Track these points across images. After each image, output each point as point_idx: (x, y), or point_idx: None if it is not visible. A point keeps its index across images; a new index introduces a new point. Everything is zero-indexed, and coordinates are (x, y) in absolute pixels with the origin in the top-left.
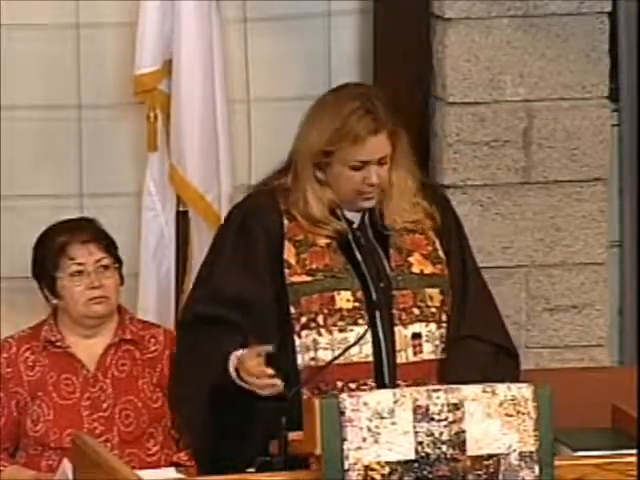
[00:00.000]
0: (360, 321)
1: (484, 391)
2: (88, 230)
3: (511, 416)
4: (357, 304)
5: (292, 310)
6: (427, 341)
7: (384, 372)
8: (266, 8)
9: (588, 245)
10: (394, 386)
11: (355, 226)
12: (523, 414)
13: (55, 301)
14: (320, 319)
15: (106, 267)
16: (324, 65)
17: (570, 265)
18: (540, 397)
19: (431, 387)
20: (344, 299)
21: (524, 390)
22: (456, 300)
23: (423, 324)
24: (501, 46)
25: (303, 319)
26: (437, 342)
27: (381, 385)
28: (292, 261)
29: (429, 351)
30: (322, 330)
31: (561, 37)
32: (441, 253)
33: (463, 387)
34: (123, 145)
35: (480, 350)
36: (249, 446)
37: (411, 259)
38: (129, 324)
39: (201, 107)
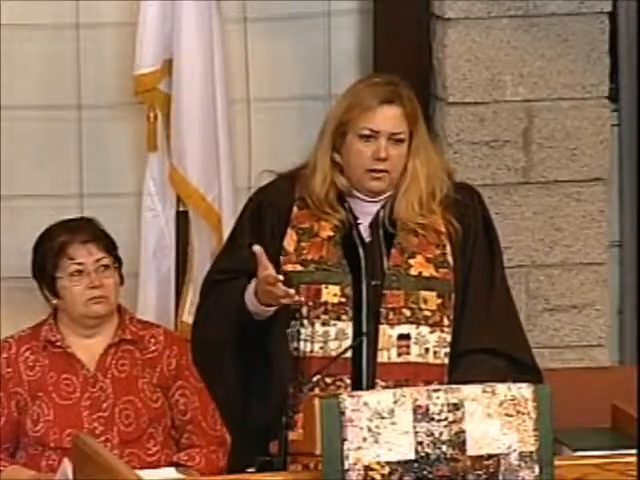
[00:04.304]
0: (344, 317)
1: (484, 391)
2: (88, 230)
3: (511, 416)
4: (343, 299)
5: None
6: (415, 343)
7: (362, 370)
8: (266, 8)
9: (588, 245)
10: (372, 385)
11: (368, 224)
12: (523, 414)
13: (55, 301)
14: (304, 310)
15: (106, 267)
16: (324, 65)
17: (570, 265)
18: (540, 397)
19: (431, 387)
20: (331, 293)
21: (524, 390)
22: (479, 310)
23: (413, 326)
24: (501, 46)
25: (291, 308)
26: (429, 346)
27: (358, 382)
28: (290, 249)
29: (416, 354)
30: (305, 322)
31: (561, 37)
32: (449, 258)
33: (463, 387)
34: (123, 145)
35: (491, 365)
36: (268, 408)
37: (412, 261)
38: (129, 324)
39: (201, 107)
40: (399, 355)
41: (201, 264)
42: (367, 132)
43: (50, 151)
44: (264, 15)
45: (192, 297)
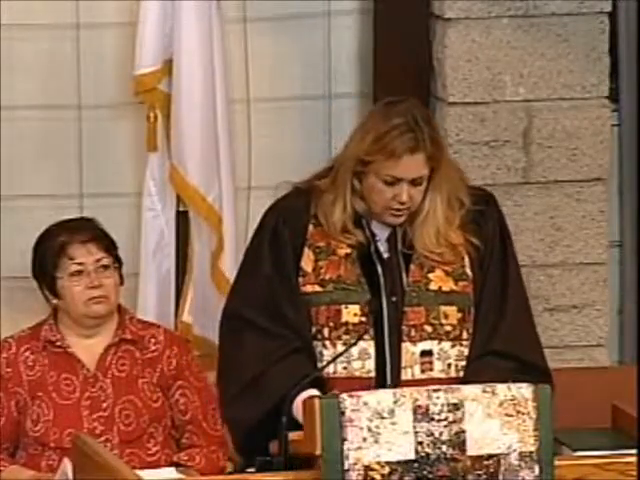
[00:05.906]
0: (366, 336)
1: (484, 391)
2: (88, 230)
3: (511, 416)
4: (364, 319)
5: None
6: (438, 359)
7: (386, 388)
8: (266, 8)
9: (588, 245)
10: None
11: (385, 238)
12: (523, 414)
13: (55, 301)
14: (326, 332)
15: (106, 267)
16: (324, 65)
17: (570, 265)
18: (540, 397)
19: (431, 387)
20: (351, 313)
21: (524, 390)
22: (492, 314)
23: (435, 342)
24: (501, 46)
25: (313, 329)
26: (450, 361)
27: None
28: (308, 269)
29: (439, 369)
30: (327, 343)
31: (561, 37)
32: (468, 270)
33: (463, 387)
34: (123, 145)
35: (499, 367)
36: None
37: (431, 275)
38: (129, 324)
39: (201, 107)
40: (422, 372)
41: (201, 264)
42: (390, 179)
43: (50, 151)
44: (264, 15)
45: (192, 297)
